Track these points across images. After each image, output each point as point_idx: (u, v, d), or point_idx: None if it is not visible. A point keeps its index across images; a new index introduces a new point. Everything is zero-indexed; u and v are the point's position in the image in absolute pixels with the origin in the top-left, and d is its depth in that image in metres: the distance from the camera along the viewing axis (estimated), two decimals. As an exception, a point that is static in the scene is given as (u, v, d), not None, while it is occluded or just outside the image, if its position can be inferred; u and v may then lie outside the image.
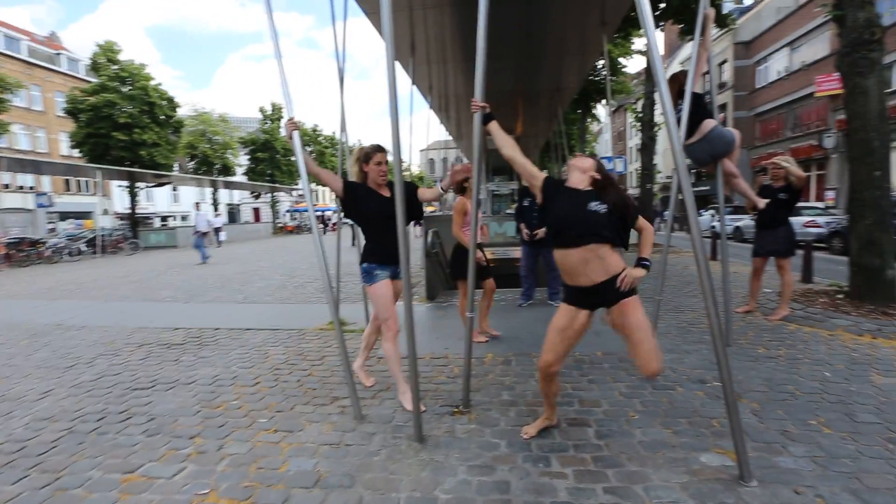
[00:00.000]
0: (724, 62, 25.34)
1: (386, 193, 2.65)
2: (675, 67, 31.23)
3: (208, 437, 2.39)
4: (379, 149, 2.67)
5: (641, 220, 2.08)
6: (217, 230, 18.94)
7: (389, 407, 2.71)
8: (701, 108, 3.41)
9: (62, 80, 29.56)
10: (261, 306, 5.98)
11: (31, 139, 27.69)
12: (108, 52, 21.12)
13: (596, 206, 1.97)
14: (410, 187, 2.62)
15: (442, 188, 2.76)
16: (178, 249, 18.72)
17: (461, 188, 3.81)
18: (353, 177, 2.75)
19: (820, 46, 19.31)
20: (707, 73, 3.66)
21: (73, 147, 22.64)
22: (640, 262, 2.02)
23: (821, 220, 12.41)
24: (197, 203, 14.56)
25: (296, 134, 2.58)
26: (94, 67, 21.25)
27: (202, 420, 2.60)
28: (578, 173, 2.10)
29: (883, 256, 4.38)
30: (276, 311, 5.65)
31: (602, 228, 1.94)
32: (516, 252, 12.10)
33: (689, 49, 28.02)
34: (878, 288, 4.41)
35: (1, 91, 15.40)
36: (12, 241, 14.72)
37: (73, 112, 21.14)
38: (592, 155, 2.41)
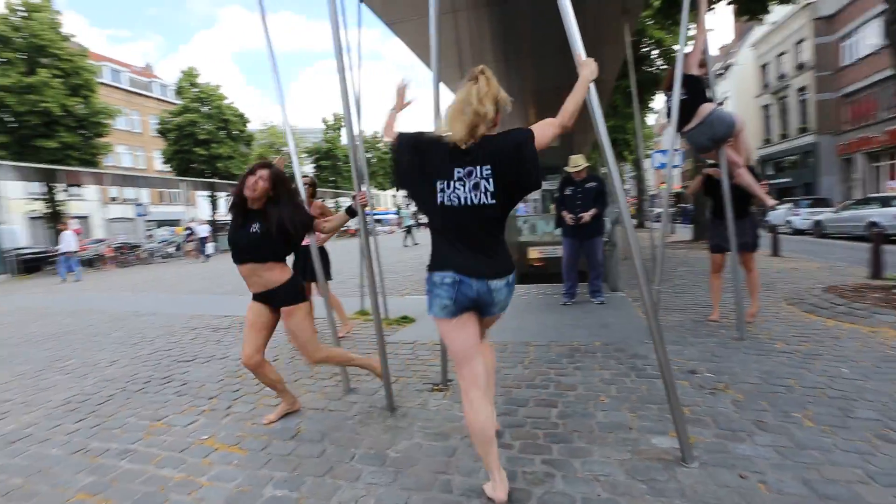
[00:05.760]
0: (801, 41, 22.80)
1: None
2: (745, 52, 28.58)
3: (223, 398, 2.83)
4: None
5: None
6: (202, 241, 16.87)
7: (379, 383, 2.98)
8: (699, 93, 3.32)
9: (155, 105, 33.81)
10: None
11: (132, 157, 32.02)
12: (189, 77, 23.91)
13: (255, 227, 2.23)
14: None
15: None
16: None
17: (312, 193, 3.68)
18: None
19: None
20: (703, 59, 3.49)
21: (164, 163, 25.91)
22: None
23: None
24: (64, 223, 13.72)
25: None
26: (179, 91, 24.16)
27: (223, 386, 3.06)
28: (249, 191, 2.24)
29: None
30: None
31: (256, 250, 2.25)
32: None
33: (760, 31, 25.41)
34: (942, 282, 3.92)
35: (106, 117, 18.03)
36: (117, 245, 17.40)
37: (162, 132, 24.22)
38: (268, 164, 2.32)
